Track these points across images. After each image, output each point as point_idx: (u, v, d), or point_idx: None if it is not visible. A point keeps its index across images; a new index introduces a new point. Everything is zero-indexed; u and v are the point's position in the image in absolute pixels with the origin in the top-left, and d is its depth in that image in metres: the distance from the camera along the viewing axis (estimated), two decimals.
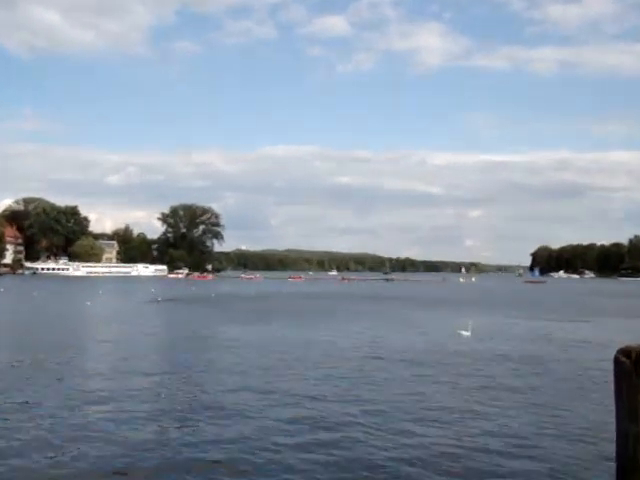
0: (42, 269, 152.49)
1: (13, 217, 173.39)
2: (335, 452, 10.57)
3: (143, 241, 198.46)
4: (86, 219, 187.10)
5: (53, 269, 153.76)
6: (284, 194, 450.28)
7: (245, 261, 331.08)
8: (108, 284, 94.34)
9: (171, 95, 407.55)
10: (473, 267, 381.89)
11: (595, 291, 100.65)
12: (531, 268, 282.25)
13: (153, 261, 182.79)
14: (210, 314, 41.26)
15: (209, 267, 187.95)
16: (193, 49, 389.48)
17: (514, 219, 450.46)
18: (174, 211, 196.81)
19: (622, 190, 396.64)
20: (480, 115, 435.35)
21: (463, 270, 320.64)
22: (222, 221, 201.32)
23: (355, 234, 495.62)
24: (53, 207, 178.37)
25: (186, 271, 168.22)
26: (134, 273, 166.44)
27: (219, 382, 16.59)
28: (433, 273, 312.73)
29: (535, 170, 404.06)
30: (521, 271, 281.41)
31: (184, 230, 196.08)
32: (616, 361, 6.55)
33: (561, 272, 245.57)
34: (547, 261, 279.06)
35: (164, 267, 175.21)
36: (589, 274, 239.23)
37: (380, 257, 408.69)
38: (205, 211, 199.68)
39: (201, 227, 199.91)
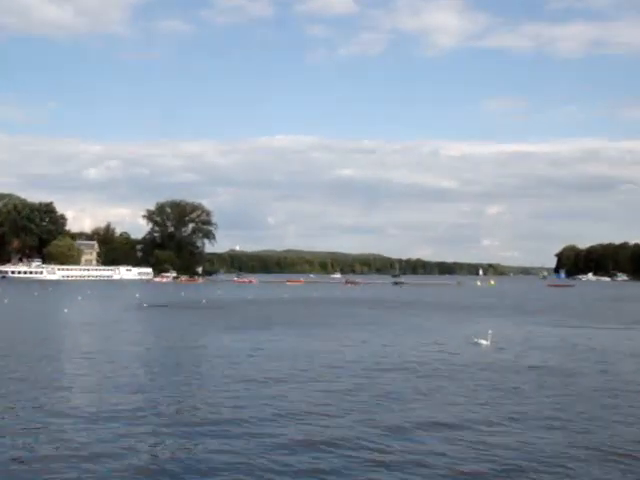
0: (13, 272, 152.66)
1: None
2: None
3: (126, 241, 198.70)
4: (62, 217, 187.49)
5: (25, 272, 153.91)
6: (282, 189, 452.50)
7: (239, 263, 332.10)
8: (87, 289, 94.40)
9: (157, 80, 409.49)
10: (491, 269, 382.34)
11: (629, 296, 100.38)
12: (556, 270, 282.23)
13: (137, 263, 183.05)
14: (201, 322, 41.30)
15: (199, 270, 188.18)
16: (181, 29, 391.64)
17: (537, 216, 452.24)
18: (161, 208, 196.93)
19: None
20: (499, 101, 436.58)
21: (480, 272, 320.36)
22: (214, 219, 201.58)
23: (361, 233, 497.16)
24: (25, 204, 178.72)
25: (174, 274, 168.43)
26: (116, 277, 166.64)
27: (211, 398, 16.59)
28: (447, 276, 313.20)
29: (560, 161, 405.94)
30: (545, 273, 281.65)
31: (172, 229, 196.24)
32: None
33: (590, 274, 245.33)
34: (574, 262, 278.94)
35: (149, 270, 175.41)
36: (622, 276, 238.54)
37: (388, 258, 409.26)
38: (195, 208, 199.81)
39: (191, 226, 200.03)
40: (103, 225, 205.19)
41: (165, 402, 15.98)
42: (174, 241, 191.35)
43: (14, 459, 11.22)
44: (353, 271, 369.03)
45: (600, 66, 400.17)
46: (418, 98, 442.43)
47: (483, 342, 28.37)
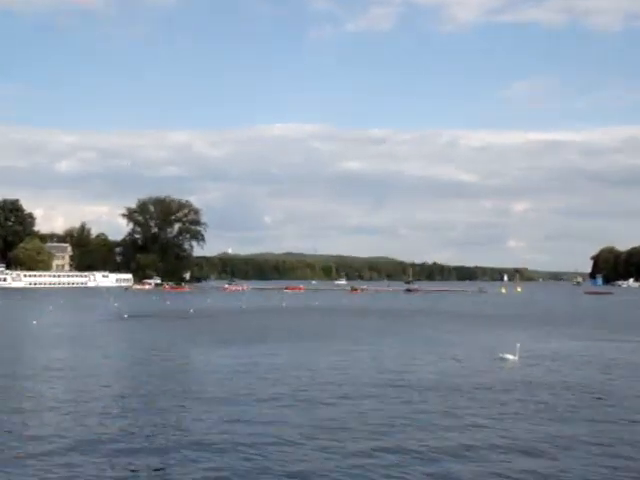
0: None
1: None
2: None
3: (103, 244, 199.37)
4: (31, 216, 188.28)
5: None
6: (281, 184, 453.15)
7: (232, 268, 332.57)
8: (59, 298, 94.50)
9: (139, 61, 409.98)
10: (518, 274, 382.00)
11: None
12: (592, 275, 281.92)
13: (116, 268, 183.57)
14: (188, 334, 41.37)
15: (187, 276, 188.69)
16: (165, 3, 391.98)
17: (569, 213, 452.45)
18: (143, 206, 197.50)
19: None
20: (527, 83, 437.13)
21: (505, 278, 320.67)
22: (203, 218, 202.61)
23: (369, 234, 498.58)
24: None
25: (157, 281, 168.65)
26: (91, 284, 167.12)
27: (200, 421, 16.59)
28: (467, 282, 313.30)
29: (596, 151, 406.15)
30: (579, 279, 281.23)
31: (155, 230, 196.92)
32: None
33: (631, 280, 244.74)
34: (613, 266, 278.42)
35: (129, 276, 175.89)
36: None
37: (400, 262, 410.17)
38: (182, 206, 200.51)
39: (177, 226, 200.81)
40: (77, 225, 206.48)
41: (144, 428, 15.94)
42: (158, 243, 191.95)
43: None
44: (360, 277, 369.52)
45: None
46: (434, 81, 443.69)
47: (510, 357, 28.35)
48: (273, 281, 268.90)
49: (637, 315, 70.43)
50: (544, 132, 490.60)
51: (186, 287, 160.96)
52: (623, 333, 45.09)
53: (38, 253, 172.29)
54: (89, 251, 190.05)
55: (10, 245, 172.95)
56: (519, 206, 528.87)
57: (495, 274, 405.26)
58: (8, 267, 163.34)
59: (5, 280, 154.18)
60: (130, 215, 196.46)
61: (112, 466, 12.66)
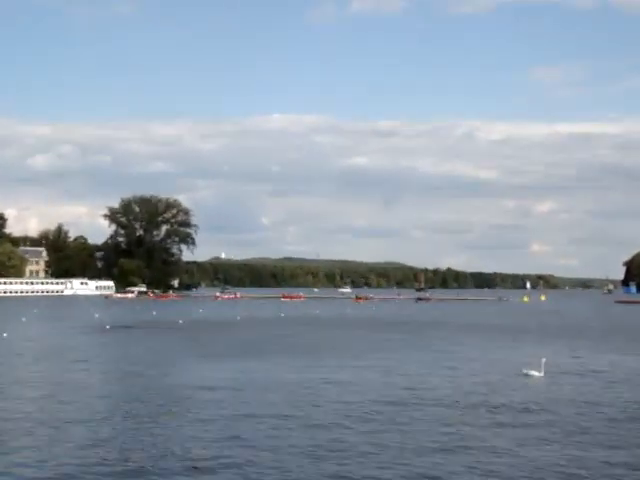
0: None
1: None
2: None
3: (83, 247, 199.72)
4: (1, 217, 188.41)
5: None
6: (280, 182, 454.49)
7: (225, 275, 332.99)
8: (33, 307, 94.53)
9: (123, 44, 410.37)
10: (542, 282, 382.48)
11: None
12: (625, 283, 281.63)
13: (97, 275, 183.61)
14: (178, 348, 41.51)
15: (175, 283, 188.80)
16: None
17: (600, 215, 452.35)
18: (126, 206, 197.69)
19: None
20: (553, 69, 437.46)
21: (528, 286, 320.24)
22: (193, 219, 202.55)
23: (377, 237, 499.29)
24: None
25: (140, 289, 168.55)
26: (68, 292, 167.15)
27: (191, 441, 16.55)
28: (486, 290, 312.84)
29: (631, 145, 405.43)
30: (611, 287, 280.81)
31: (141, 232, 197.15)
32: None
33: None
34: None
35: (110, 283, 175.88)
36: None
37: (411, 268, 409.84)
38: (170, 206, 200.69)
39: (164, 228, 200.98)
40: (53, 227, 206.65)
41: (129, 451, 15.95)
42: (143, 247, 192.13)
43: None
44: (367, 284, 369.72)
45: None
46: (449, 67, 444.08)
47: (535, 374, 28.49)
48: (271, 289, 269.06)
49: None
50: (572, 123, 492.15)
51: (172, 295, 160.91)
52: None
53: (9, 258, 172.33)
54: (67, 256, 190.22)
55: None
56: (543, 206, 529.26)
57: (517, 281, 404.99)
58: None
59: None
60: (112, 216, 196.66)
61: None
